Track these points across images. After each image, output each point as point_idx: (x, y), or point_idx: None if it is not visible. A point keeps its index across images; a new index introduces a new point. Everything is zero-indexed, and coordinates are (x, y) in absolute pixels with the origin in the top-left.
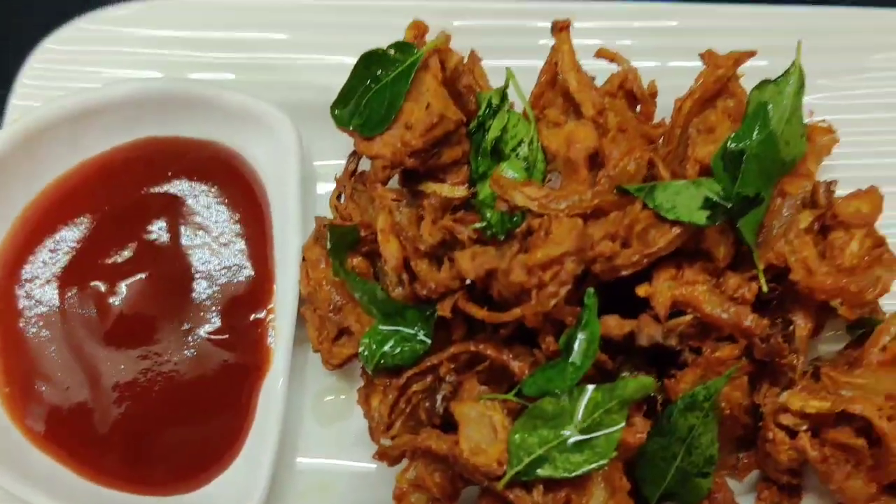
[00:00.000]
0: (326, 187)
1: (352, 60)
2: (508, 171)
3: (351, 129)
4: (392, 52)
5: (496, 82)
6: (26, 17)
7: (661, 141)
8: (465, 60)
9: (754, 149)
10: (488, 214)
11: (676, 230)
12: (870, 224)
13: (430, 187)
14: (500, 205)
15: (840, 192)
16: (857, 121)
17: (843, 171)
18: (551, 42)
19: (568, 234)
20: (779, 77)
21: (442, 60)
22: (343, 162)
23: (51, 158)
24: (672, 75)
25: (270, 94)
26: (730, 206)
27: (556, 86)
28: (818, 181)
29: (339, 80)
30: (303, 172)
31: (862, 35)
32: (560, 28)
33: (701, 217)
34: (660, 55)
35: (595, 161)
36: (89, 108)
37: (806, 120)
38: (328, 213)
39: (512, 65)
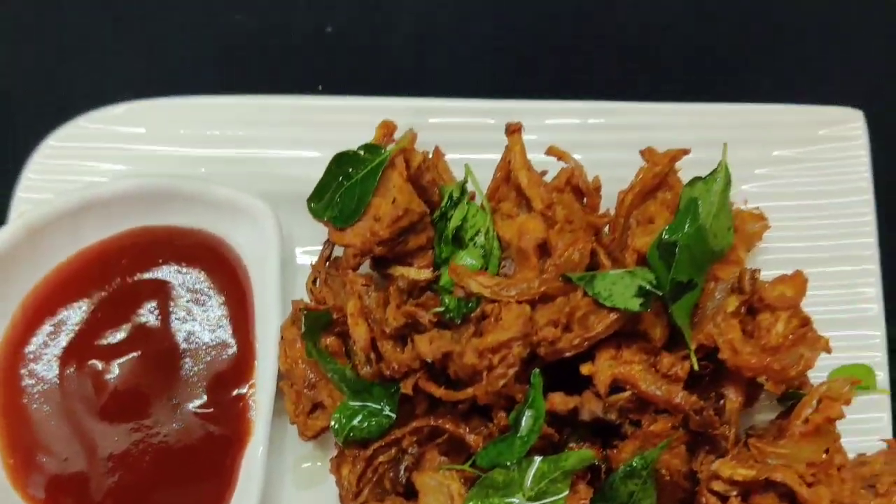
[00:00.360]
0: (306, 269)
1: (330, 154)
2: (467, 258)
3: (325, 220)
4: (362, 152)
5: (462, 172)
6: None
7: (606, 229)
8: (430, 155)
9: (686, 240)
10: (447, 300)
11: (613, 316)
12: (795, 306)
13: (398, 270)
14: (458, 291)
15: (773, 271)
16: (790, 207)
17: (776, 252)
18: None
19: (515, 321)
20: (707, 175)
21: (407, 159)
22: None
23: (52, 248)
24: (617, 166)
25: (255, 185)
26: (661, 293)
27: (509, 181)
28: (744, 269)
29: (320, 172)
30: (283, 257)
31: (796, 129)
32: (512, 130)
33: (635, 304)
34: (606, 148)
35: (544, 250)
36: (88, 203)
37: (742, 207)
38: (306, 295)
39: (474, 157)
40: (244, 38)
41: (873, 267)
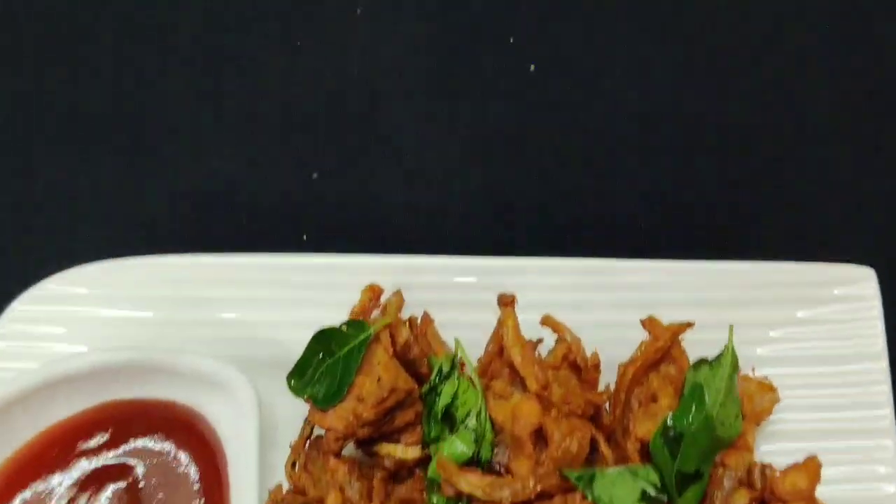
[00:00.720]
0: (289, 439)
1: (314, 315)
2: (457, 443)
3: (306, 398)
4: (345, 328)
5: (454, 330)
6: None
7: (606, 405)
8: (419, 321)
9: (692, 429)
10: (435, 500)
11: None
12: (808, 497)
13: (385, 449)
14: (447, 489)
15: (782, 444)
16: (801, 374)
17: (786, 423)
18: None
19: None
20: (713, 360)
21: (393, 334)
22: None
23: (17, 428)
24: (617, 327)
25: (235, 350)
26: (666, 498)
27: (503, 355)
28: (754, 462)
29: (304, 336)
30: (262, 431)
31: (806, 288)
32: (505, 303)
33: None
34: (605, 308)
35: (541, 434)
36: (56, 380)
37: (750, 374)
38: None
39: (466, 318)
40: (223, 186)
41: (889, 443)
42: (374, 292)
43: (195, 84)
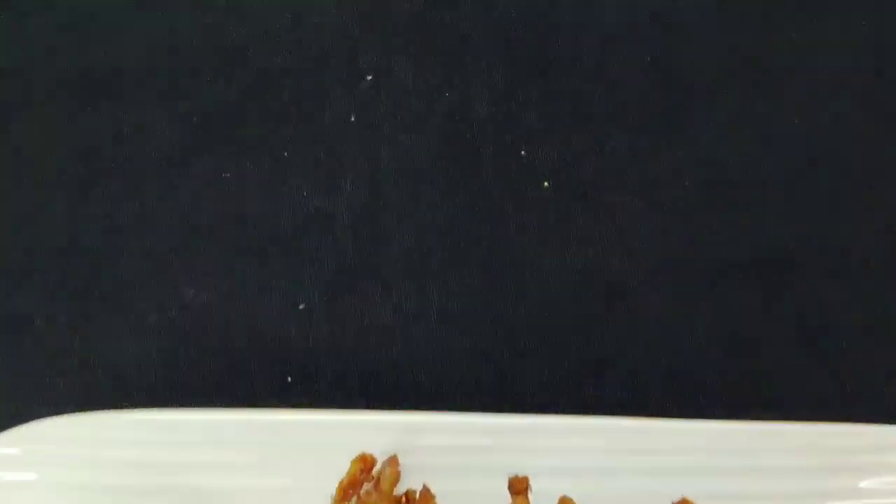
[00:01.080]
0: None
1: (300, 483)
2: None
3: None
4: None
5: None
6: None
7: None
8: (418, 495)
9: None
10: None
11: None
12: None
13: None
14: None
15: None
16: None
17: None
18: (521, 459)
19: None
20: None
21: None
22: None
23: None
24: (652, 497)
25: None
26: None
27: None
28: None
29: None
30: None
31: (871, 454)
32: (517, 490)
33: None
34: (634, 475)
35: None
36: None
37: None
38: None
39: (477, 486)
40: (195, 320)
41: None
42: (365, 463)
43: (165, 208)
